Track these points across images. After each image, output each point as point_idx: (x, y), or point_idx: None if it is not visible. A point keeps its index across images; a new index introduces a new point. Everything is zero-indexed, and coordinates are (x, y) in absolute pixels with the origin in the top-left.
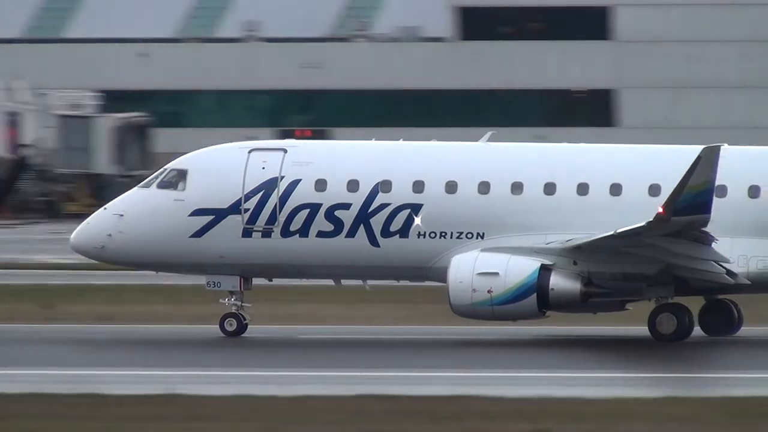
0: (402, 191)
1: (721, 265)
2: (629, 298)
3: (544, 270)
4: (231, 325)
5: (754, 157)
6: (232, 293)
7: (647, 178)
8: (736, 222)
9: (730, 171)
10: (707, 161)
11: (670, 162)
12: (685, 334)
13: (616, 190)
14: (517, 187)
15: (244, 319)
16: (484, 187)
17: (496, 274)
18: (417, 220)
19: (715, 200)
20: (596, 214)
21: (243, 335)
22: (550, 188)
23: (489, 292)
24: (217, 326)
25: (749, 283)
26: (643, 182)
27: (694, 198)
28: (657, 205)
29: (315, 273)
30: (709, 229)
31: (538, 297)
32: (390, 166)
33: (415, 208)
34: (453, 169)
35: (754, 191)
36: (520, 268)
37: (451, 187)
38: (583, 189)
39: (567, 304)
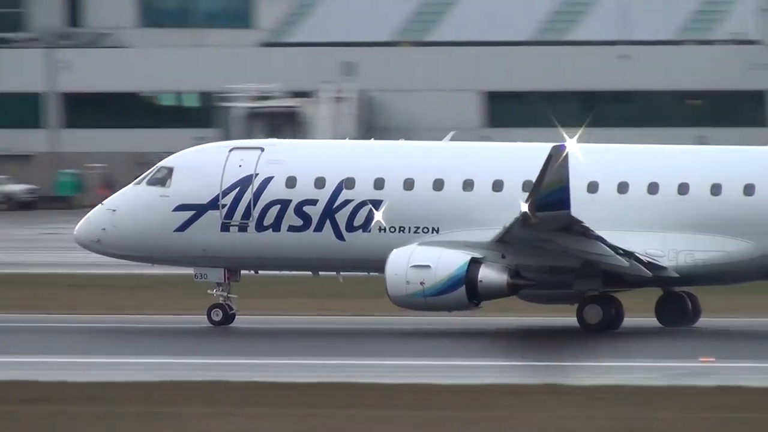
0: (364, 188)
1: (640, 259)
2: (559, 289)
3: (474, 263)
4: (217, 315)
5: (685, 156)
6: (219, 284)
7: (587, 176)
8: (666, 218)
9: (660, 169)
10: (557, 160)
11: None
12: (612, 325)
13: (525, 185)
14: (468, 185)
15: (231, 309)
16: (438, 184)
17: (428, 266)
18: (377, 215)
19: (647, 197)
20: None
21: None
22: (498, 186)
23: (421, 284)
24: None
25: (678, 276)
26: (583, 180)
27: (552, 195)
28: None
29: (287, 266)
30: (642, 224)
31: (467, 289)
32: (354, 164)
33: (376, 204)
34: (411, 166)
35: (683, 189)
36: (450, 262)
37: (408, 184)
38: (528, 186)
39: (495, 296)
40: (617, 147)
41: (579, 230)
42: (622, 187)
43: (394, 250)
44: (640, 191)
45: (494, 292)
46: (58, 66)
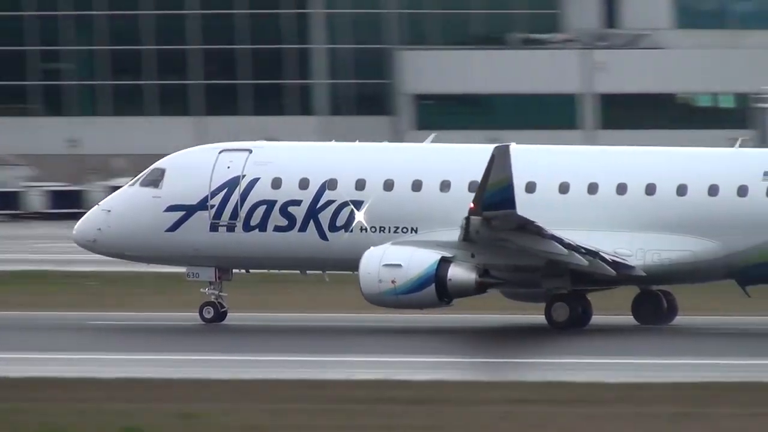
0: (346, 189)
1: (604, 259)
2: (527, 288)
3: (444, 262)
4: (209, 313)
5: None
6: (210, 283)
7: (558, 178)
8: (634, 218)
9: (629, 170)
10: (500, 160)
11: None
12: (579, 323)
13: (531, 187)
14: (445, 186)
15: (222, 307)
16: (417, 185)
17: (400, 265)
18: (358, 216)
19: (616, 197)
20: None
21: (223, 322)
22: (473, 187)
23: (393, 282)
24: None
25: (645, 275)
26: (555, 182)
27: (498, 194)
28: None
29: (274, 265)
30: (612, 224)
31: (436, 287)
32: (337, 166)
33: (357, 205)
34: (391, 168)
35: (650, 189)
36: (421, 261)
37: (388, 185)
38: None
39: (465, 294)
40: (587, 148)
41: (533, 230)
42: (592, 188)
43: (368, 249)
44: (610, 192)
45: (463, 291)
46: (593, 67)
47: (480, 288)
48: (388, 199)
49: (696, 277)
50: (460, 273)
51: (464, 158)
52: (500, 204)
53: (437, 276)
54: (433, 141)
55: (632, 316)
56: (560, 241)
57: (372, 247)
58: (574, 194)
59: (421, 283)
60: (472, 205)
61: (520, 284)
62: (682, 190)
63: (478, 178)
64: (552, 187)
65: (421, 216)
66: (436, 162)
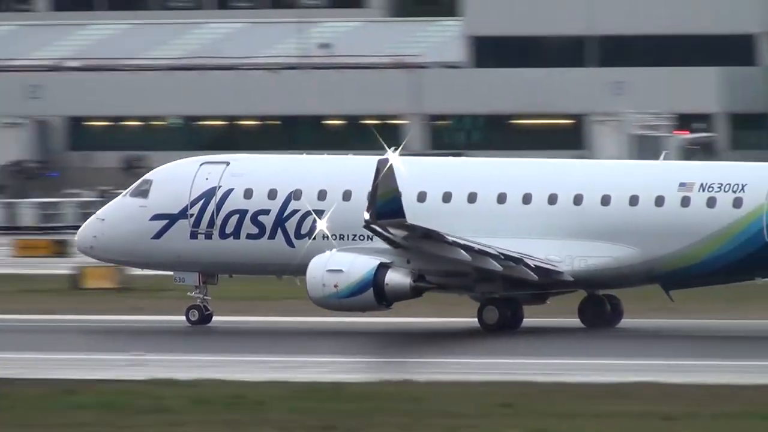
0: (309, 199)
1: (528, 265)
2: (461, 292)
3: (383, 267)
4: (194, 316)
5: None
6: (196, 287)
7: (496, 188)
8: (564, 226)
9: (559, 181)
10: (384, 171)
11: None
12: (510, 325)
13: (472, 198)
14: None
15: (207, 310)
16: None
17: (341, 271)
18: (320, 224)
19: (548, 207)
20: (455, 218)
21: (209, 324)
22: (421, 197)
23: (335, 286)
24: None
25: (573, 279)
26: (493, 192)
27: (388, 204)
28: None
29: (249, 270)
30: (544, 232)
31: (374, 291)
32: (302, 177)
33: (319, 214)
34: (350, 179)
35: (578, 200)
36: (361, 266)
37: (347, 196)
38: (447, 197)
39: (401, 298)
40: (523, 161)
41: (436, 237)
42: (527, 199)
43: (316, 255)
44: (542, 202)
45: (399, 295)
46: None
47: (415, 292)
48: (347, 208)
49: (620, 282)
50: (396, 278)
51: (417, 170)
52: (392, 213)
53: (375, 281)
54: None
55: (579, 319)
56: (468, 247)
57: (319, 254)
58: (511, 204)
59: (360, 288)
60: (366, 215)
61: (453, 289)
62: (606, 200)
63: (425, 188)
64: (491, 198)
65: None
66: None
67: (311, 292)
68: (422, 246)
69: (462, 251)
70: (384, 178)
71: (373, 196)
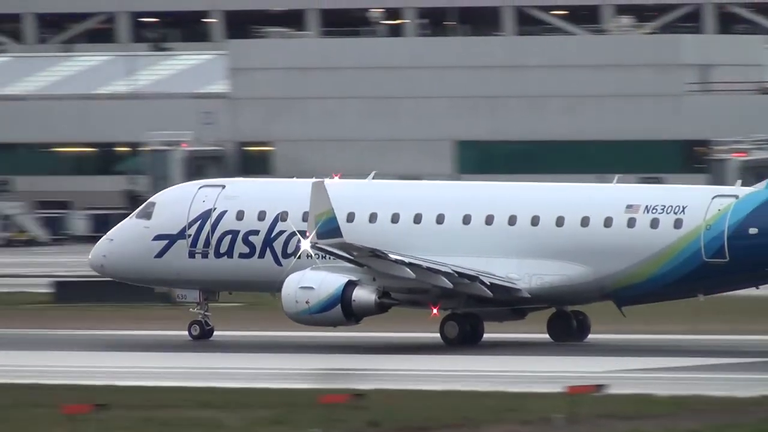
0: (294, 220)
1: (483, 282)
2: (424, 307)
3: (350, 285)
4: (195, 330)
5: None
6: (197, 303)
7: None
8: (522, 246)
9: (517, 203)
10: (317, 194)
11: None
12: (470, 340)
13: (440, 219)
14: (373, 217)
15: (208, 325)
16: (350, 217)
17: (312, 288)
18: (304, 244)
19: (508, 228)
20: (425, 238)
21: (211, 339)
22: (395, 217)
23: (307, 302)
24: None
25: (530, 296)
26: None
27: (324, 225)
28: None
29: (242, 288)
30: (504, 252)
31: (342, 307)
32: (288, 200)
33: (303, 234)
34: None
35: (535, 221)
36: (330, 284)
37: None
38: (417, 218)
39: (368, 313)
40: (486, 184)
41: (380, 255)
42: (489, 220)
43: (291, 273)
44: (503, 223)
45: (366, 310)
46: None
47: (380, 308)
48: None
49: (574, 299)
50: (362, 294)
51: (388, 193)
52: (329, 233)
53: (343, 297)
54: (373, 178)
55: (548, 334)
56: (416, 265)
57: (294, 272)
58: (475, 225)
59: (329, 304)
60: (305, 242)
61: (417, 304)
62: (560, 221)
63: (400, 210)
64: (456, 219)
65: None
66: (366, 196)
67: (285, 307)
68: (371, 264)
69: (406, 269)
70: (317, 201)
71: (311, 216)
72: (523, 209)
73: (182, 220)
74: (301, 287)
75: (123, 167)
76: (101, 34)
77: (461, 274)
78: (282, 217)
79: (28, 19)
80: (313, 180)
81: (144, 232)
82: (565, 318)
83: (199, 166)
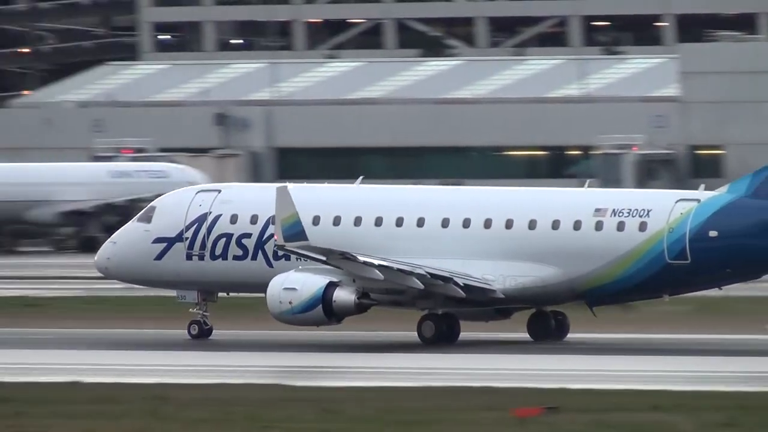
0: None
1: (457, 283)
2: (405, 308)
3: (331, 286)
4: (194, 330)
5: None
6: (196, 304)
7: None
8: (497, 248)
9: (492, 206)
10: (282, 198)
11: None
12: (447, 339)
13: (420, 222)
14: (358, 221)
15: (206, 325)
16: (337, 221)
17: (295, 289)
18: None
19: (483, 231)
20: (406, 241)
21: (210, 338)
22: (378, 221)
23: (290, 303)
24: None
25: (504, 297)
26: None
27: (290, 228)
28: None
29: (236, 289)
30: (481, 254)
31: (323, 307)
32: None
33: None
34: (318, 205)
35: (509, 224)
36: (311, 285)
37: (316, 220)
38: (399, 222)
39: (348, 313)
40: (462, 188)
41: (350, 257)
42: (466, 223)
43: (277, 275)
44: (479, 226)
45: (346, 311)
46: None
47: (360, 308)
48: (314, 231)
49: (547, 299)
50: (342, 295)
51: (373, 197)
52: (295, 236)
53: (324, 298)
54: (361, 182)
55: (528, 334)
56: (387, 267)
57: (279, 274)
58: (453, 228)
59: (311, 304)
60: (275, 238)
61: (396, 305)
62: (532, 224)
63: (382, 214)
64: (435, 223)
65: (339, 246)
66: (353, 200)
67: (270, 308)
68: (341, 266)
69: (375, 270)
70: (281, 205)
71: (277, 221)
72: (498, 213)
73: (180, 224)
74: (285, 288)
75: (574, 170)
76: (553, 38)
77: (434, 276)
78: (273, 220)
79: (480, 23)
80: (277, 185)
81: (144, 235)
82: (544, 318)
83: (651, 170)
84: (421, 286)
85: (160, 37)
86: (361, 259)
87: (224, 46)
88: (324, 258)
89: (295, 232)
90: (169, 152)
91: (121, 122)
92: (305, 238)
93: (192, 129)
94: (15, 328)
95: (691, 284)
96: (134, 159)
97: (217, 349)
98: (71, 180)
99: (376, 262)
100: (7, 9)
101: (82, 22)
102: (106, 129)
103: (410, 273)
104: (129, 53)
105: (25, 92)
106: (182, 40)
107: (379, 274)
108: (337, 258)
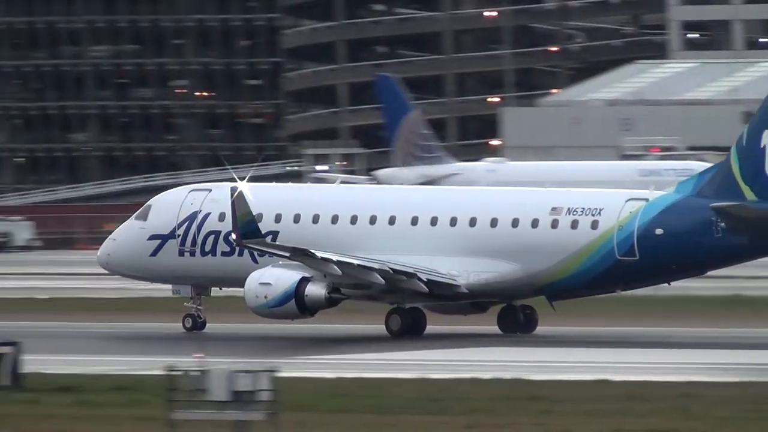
0: (268, 221)
1: (420, 279)
2: (373, 302)
3: (304, 281)
4: (188, 323)
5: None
6: (191, 298)
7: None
8: (462, 245)
9: (457, 205)
10: (237, 199)
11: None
12: (413, 332)
13: (392, 221)
14: (335, 219)
15: (200, 318)
16: (315, 218)
17: (270, 284)
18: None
19: (448, 228)
20: (376, 239)
21: (204, 331)
22: (353, 219)
23: (265, 297)
24: None
25: (468, 292)
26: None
27: (246, 226)
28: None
29: (225, 284)
30: (447, 251)
31: (296, 302)
32: (264, 202)
33: (275, 235)
34: (298, 205)
35: (472, 222)
36: (285, 280)
37: (296, 218)
38: (372, 219)
39: (319, 307)
40: (432, 189)
41: (309, 254)
42: (434, 221)
43: (254, 271)
44: (445, 224)
45: (317, 305)
46: None
47: (330, 302)
48: (295, 229)
49: (508, 294)
50: (313, 290)
51: (349, 197)
52: (251, 233)
53: (297, 293)
54: (340, 182)
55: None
56: (347, 263)
57: (257, 269)
58: (422, 226)
59: (284, 299)
60: (233, 235)
61: (365, 299)
62: (494, 222)
63: (356, 212)
64: (406, 221)
65: (317, 243)
66: (331, 199)
67: (248, 302)
68: (303, 262)
69: (334, 266)
70: (238, 204)
71: (233, 218)
72: (463, 212)
73: (173, 222)
74: (261, 283)
75: None
76: None
77: (397, 271)
78: (257, 218)
79: None
80: (231, 185)
81: (141, 232)
82: (513, 312)
83: None
84: (381, 281)
85: (688, 35)
86: (319, 255)
87: (752, 45)
88: (287, 254)
89: (251, 229)
90: (697, 150)
91: (650, 121)
92: (261, 236)
93: (720, 127)
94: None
95: (640, 280)
96: (663, 157)
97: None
98: (600, 178)
99: (335, 258)
100: (537, 8)
101: (611, 20)
102: (634, 127)
103: (371, 269)
104: (657, 52)
105: (554, 91)
106: (710, 38)
107: (337, 270)
108: (299, 255)
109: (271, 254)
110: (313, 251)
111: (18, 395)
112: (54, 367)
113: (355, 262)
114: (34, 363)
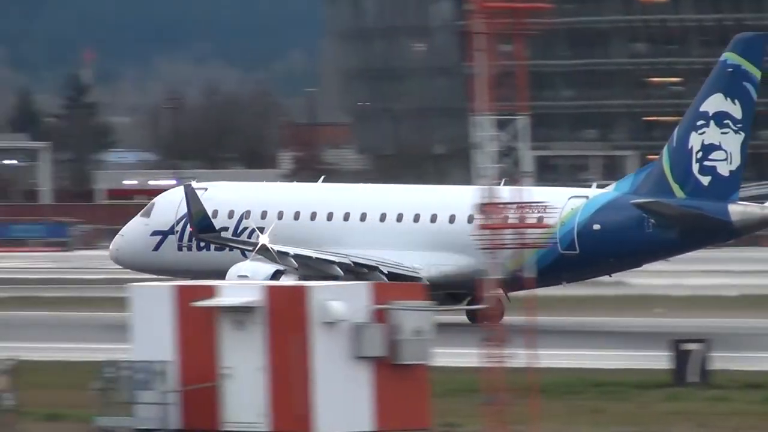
0: (255, 218)
1: (382, 271)
2: None
3: (278, 273)
4: None
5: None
6: None
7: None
8: (423, 240)
9: (419, 203)
10: (189, 197)
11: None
12: None
13: (363, 217)
14: (313, 216)
15: None
16: (297, 215)
17: (247, 276)
18: (262, 239)
19: (411, 224)
20: (350, 234)
21: None
22: (329, 216)
23: None
24: None
25: (429, 283)
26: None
27: (201, 222)
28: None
29: (218, 276)
30: (410, 245)
31: None
32: (252, 200)
33: (261, 230)
34: (283, 202)
35: (433, 218)
36: (261, 272)
37: (280, 215)
38: (347, 216)
39: None
40: (395, 186)
41: (266, 248)
42: (399, 217)
43: (235, 264)
44: (409, 220)
45: None
46: None
47: None
48: (280, 225)
49: (466, 286)
50: (286, 282)
51: (328, 194)
52: (207, 228)
53: None
54: (323, 181)
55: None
56: (306, 256)
57: (237, 263)
58: (389, 222)
59: None
60: (189, 229)
61: None
62: (452, 218)
63: (333, 209)
64: (375, 217)
65: (298, 239)
66: (311, 197)
67: None
68: (264, 255)
69: (291, 260)
70: (192, 202)
71: (189, 214)
72: (424, 208)
73: (172, 218)
74: (239, 276)
75: None
76: None
77: (359, 264)
78: (246, 215)
79: None
80: (184, 184)
81: (144, 228)
82: (479, 303)
83: None
84: (341, 273)
85: None
86: (276, 248)
87: None
88: (249, 248)
89: (205, 225)
90: None
91: None
92: (214, 230)
93: None
94: None
95: (582, 272)
96: None
97: None
98: None
99: (292, 251)
100: None
101: None
102: None
103: (331, 261)
104: None
105: None
106: None
107: (293, 263)
108: (263, 250)
109: (231, 248)
110: (269, 245)
111: (705, 392)
112: (741, 364)
113: (313, 255)
114: (722, 360)
